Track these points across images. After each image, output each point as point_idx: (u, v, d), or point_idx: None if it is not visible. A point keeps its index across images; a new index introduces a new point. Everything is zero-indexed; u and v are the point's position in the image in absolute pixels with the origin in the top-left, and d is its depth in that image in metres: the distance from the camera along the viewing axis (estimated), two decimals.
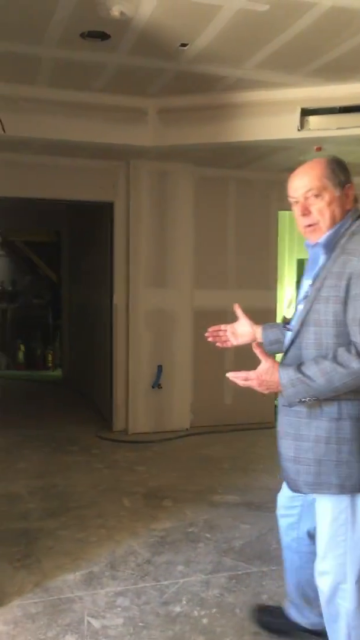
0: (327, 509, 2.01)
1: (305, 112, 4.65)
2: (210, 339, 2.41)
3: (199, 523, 3.69)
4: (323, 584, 2.06)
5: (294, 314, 2.12)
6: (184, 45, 3.83)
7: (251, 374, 1.96)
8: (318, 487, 1.98)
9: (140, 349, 5.73)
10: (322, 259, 2.00)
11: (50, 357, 9.75)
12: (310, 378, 1.88)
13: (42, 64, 4.18)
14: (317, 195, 1.99)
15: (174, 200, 5.75)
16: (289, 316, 2.29)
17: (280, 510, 2.36)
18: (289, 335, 2.09)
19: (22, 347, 9.89)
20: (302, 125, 4.66)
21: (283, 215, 6.33)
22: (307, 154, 5.20)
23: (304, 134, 4.68)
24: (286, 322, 2.23)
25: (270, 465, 3.81)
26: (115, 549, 3.33)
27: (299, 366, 1.93)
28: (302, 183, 2.01)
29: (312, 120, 4.68)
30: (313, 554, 2.14)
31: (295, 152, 5.18)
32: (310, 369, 1.90)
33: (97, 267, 6.56)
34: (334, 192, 1.99)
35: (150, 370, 5.77)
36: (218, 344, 2.42)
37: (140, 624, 2.62)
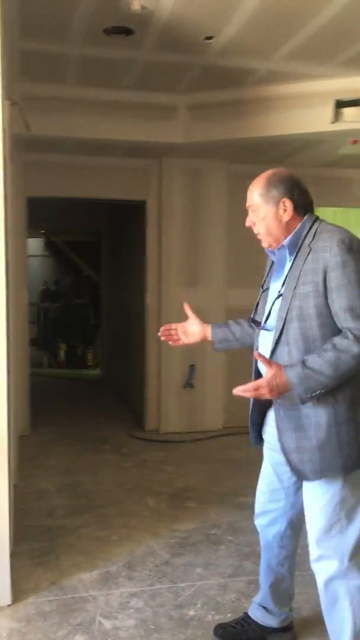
0: (322, 493, 2.06)
1: (340, 104, 4.51)
2: (163, 338, 2.48)
3: (222, 525, 3.62)
4: (321, 569, 2.10)
5: (264, 313, 2.22)
6: (209, 38, 3.76)
7: (260, 382, 1.99)
8: (324, 471, 2.04)
9: (172, 348, 5.67)
10: (288, 260, 2.15)
11: (90, 356, 9.82)
12: (319, 371, 1.95)
13: (69, 63, 4.18)
14: (253, 211, 2.19)
15: (207, 198, 5.69)
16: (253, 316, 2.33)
17: (260, 509, 2.38)
18: (266, 334, 2.18)
19: (63, 346, 10.01)
20: (336, 117, 4.51)
21: (323, 212, 6.17)
22: (343, 147, 5.07)
23: (338, 127, 4.53)
24: (254, 322, 2.31)
25: None
26: (134, 549, 3.29)
27: (303, 363, 1.97)
28: (248, 198, 2.21)
29: (347, 112, 4.53)
30: (293, 547, 2.32)
31: (331, 146, 5.04)
32: (316, 363, 1.95)
33: (133, 267, 6.56)
34: (267, 207, 2.15)
35: (182, 369, 5.72)
36: (170, 343, 2.49)
37: (152, 626, 2.57)
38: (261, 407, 2.29)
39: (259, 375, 2.18)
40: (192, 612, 2.68)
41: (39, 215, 8.55)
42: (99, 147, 5.20)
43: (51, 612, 2.66)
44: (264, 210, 2.16)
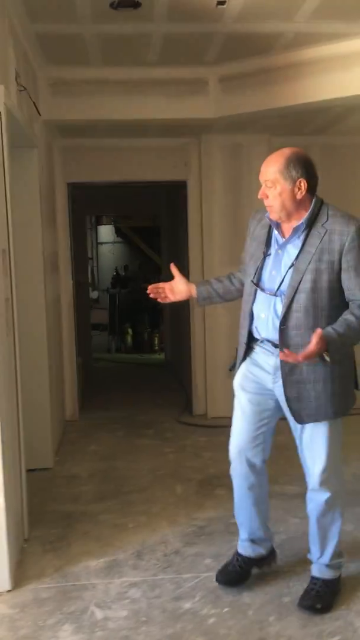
0: (325, 432, 2.47)
1: None
2: (152, 296, 2.68)
3: None
4: (326, 493, 2.51)
5: (270, 278, 2.48)
6: (221, 3, 3.55)
7: (308, 352, 2.25)
8: (317, 416, 2.45)
9: (217, 330, 5.54)
10: (301, 238, 2.42)
11: (156, 341, 9.84)
12: (350, 341, 2.39)
13: (88, 43, 4.10)
14: (270, 186, 2.41)
15: (249, 174, 5.45)
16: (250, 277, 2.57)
17: (242, 449, 2.65)
18: (268, 297, 2.46)
19: (130, 331, 10.09)
20: None
21: None
22: None
23: None
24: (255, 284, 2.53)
25: (349, 455, 3.35)
26: (148, 537, 3.23)
27: (339, 335, 2.31)
28: (263, 170, 2.43)
29: None
30: (266, 480, 2.74)
31: None
32: (348, 334, 2.34)
33: (181, 249, 6.45)
34: (285, 185, 2.38)
35: (228, 352, 5.52)
36: (159, 300, 2.71)
37: (143, 618, 2.50)
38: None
39: (250, 335, 2.55)
40: (187, 605, 2.58)
41: (100, 201, 8.66)
42: (132, 128, 5.11)
43: (47, 600, 2.65)
44: (281, 187, 2.39)
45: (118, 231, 12.21)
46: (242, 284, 2.72)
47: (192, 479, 4.06)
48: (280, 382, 2.46)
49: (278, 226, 2.50)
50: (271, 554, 2.82)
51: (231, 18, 3.78)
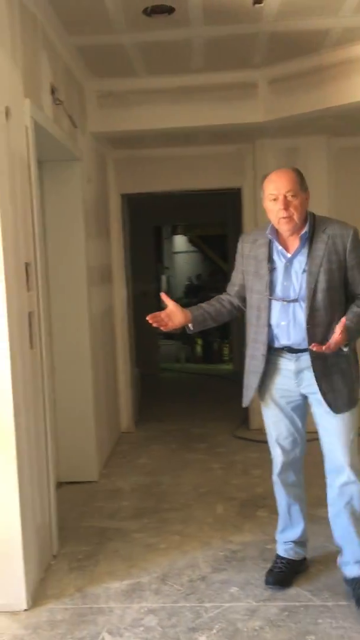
0: (349, 419, 2.63)
1: None
2: (154, 325, 2.70)
3: None
4: (353, 472, 2.63)
5: (284, 287, 2.64)
6: (258, 2, 3.40)
7: (333, 342, 2.46)
8: (351, 404, 2.63)
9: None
10: (306, 245, 2.62)
11: (226, 351, 9.67)
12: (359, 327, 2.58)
13: (129, 53, 4.06)
14: (293, 196, 2.58)
15: (306, 178, 5.23)
16: (264, 293, 2.68)
17: (287, 455, 2.80)
18: (285, 304, 2.62)
19: (200, 341, 9.98)
20: None
21: None
22: None
23: None
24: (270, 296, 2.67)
25: None
26: (177, 559, 3.10)
27: (351, 321, 2.52)
28: (283, 184, 2.59)
29: None
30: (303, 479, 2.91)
31: None
32: (357, 320, 2.55)
33: None
34: (303, 196, 2.63)
35: None
36: (161, 327, 2.73)
37: None
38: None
39: (270, 340, 2.67)
40: (202, 638, 2.43)
41: (167, 210, 8.63)
42: (183, 136, 5.03)
43: (61, 622, 2.58)
44: (300, 197, 2.60)
45: (192, 240, 12.17)
46: (233, 305, 2.91)
47: (235, 498, 3.90)
48: (304, 382, 2.66)
49: (278, 241, 2.68)
50: (305, 559, 2.96)
51: (271, 17, 3.62)
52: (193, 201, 8.02)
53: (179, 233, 12.98)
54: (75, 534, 3.44)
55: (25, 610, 2.67)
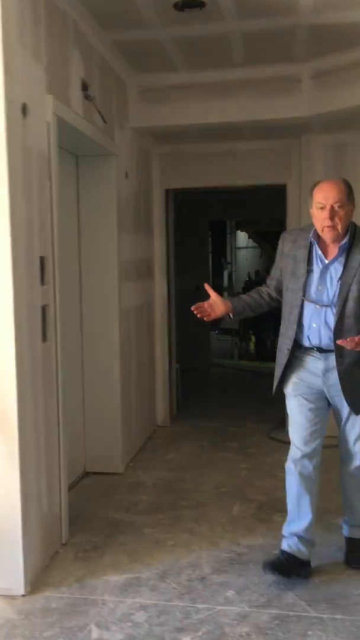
0: None
1: None
2: (198, 315, 2.87)
3: None
4: None
5: (319, 291, 2.78)
6: None
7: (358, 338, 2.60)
8: None
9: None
10: (344, 255, 2.75)
11: None
12: None
13: (166, 48, 4.06)
14: (340, 207, 2.70)
15: (354, 175, 5.05)
16: (298, 293, 2.82)
17: (305, 448, 2.89)
18: (319, 308, 2.76)
19: (253, 338, 9.89)
20: None
21: None
22: None
23: None
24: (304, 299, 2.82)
25: None
26: (181, 557, 3.09)
27: None
28: (332, 194, 2.71)
29: None
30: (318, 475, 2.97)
31: None
32: None
33: None
34: (349, 207, 2.75)
35: None
36: (204, 318, 2.90)
37: None
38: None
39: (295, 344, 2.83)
40: (186, 639, 2.41)
41: (224, 205, 8.58)
42: (227, 132, 4.98)
43: (54, 610, 2.63)
44: (346, 209, 2.73)
45: (251, 236, 12.05)
46: (272, 297, 3.06)
47: (254, 500, 3.84)
48: (330, 382, 2.79)
49: (318, 246, 2.80)
50: (309, 565, 2.93)
51: (307, 9, 3.53)
52: (249, 197, 7.94)
53: (242, 229, 12.91)
54: (89, 524, 3.49)
55: (23, 595, 2.74)
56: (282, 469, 4.35)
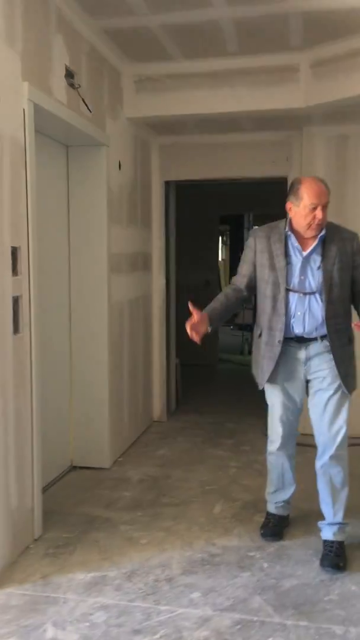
0: (347, 398, 2.99)
1: None
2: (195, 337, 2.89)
3: (269, 548, 3.11)
4: (344, 458, 3.01)
5: (300, 281, 2.92)
6: None
7: None
8: (356, 384, 3.03)
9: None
10: (320, 245, 2.92)
11: None
12: None
13: (157, 35, 3.96)
14: (326, 206, 2.88)
15: (356, 167, 4.94)
16: (281, 284, 2.95)
17: (288, 429, 3.17)
18: (302, 296, 2.91)
19: None
20: None
21: None
22: None
23: None
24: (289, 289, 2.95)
25: None
26: (152, 557, 3.03)
27: None
28: (324, 195, 2.87)
29: None
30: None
31: None
32: None
33: None
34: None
35: None
36: (194, 338, 2.88)
37: None
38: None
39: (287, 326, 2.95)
40: None
41: (233, 199, 8.46)
42: (225, 122, 4.87)
43: (13, 608, 2.58)
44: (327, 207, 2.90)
45: None
46: (241, 294, 3.13)
47: (238, 500, 3.76)
48: (312, 369, 2.98)
49: (297, 240, 2.95)
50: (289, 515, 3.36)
51: None
52: (261, 191, 7.80)
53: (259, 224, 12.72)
54: (65, 519, 3.44)
55: None
56: None
